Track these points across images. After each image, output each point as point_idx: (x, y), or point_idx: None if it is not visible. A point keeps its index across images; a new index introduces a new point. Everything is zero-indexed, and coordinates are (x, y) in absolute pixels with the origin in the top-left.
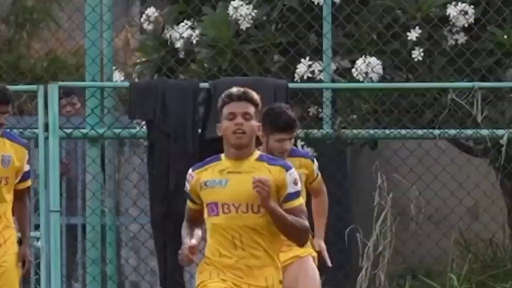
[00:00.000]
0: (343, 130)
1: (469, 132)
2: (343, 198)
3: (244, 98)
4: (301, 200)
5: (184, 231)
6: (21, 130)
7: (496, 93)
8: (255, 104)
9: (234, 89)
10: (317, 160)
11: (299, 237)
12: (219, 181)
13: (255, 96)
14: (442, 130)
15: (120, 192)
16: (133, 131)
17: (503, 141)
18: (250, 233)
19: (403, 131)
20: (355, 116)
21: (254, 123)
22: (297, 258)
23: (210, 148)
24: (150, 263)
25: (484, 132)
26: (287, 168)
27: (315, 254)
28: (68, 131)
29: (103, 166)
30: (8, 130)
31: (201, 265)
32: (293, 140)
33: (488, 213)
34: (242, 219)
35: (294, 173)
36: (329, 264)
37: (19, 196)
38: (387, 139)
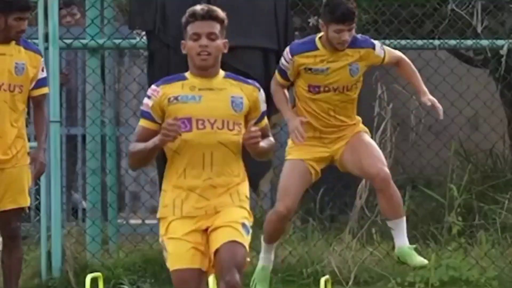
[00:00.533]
0: None
1: (469, 42)
2: None
3: (208, 16)
4: (266, 119)
5: (139, 145)
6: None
7: (496, 4)
8: (220, 21)
9: (198, 7)
10: None
11: (268, 156)
12: (192, 97)
13: (220, 13)
14: (442, 41)
15: (120, 103)
16: (133, 41)
17: (503, 52)
18: (222, 150)
19: (403, 42)
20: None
21: (220, 42)
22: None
23: None
24: (149, 173)
25: (484, 42)
26: (259, 88)
27: (366, 129)
28: (68, 41)
29: (103, 77)
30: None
31: (164, 193)
32: (353, 31)
33: (488, 124)
34: (217, 135)
35: (263, 92)
36: (441, 116)
37: (36, 103)
38: None
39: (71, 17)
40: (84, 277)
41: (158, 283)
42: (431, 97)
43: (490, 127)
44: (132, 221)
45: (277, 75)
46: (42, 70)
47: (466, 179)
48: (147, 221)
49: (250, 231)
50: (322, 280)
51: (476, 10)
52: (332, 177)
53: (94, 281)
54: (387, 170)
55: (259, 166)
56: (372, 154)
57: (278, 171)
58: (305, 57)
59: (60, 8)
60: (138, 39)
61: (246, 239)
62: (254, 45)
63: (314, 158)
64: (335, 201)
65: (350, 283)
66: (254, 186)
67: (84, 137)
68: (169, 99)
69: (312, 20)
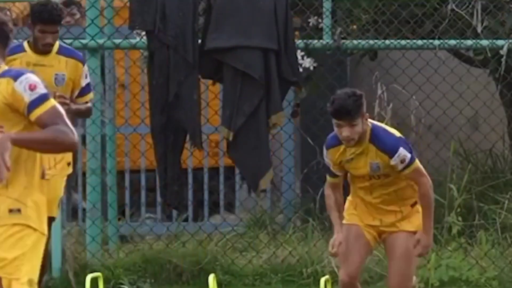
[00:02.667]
0: (343, 41)
1: (469, 42)
2: None
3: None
4: (50, 103)
5: None
6: (21, 40)
7: (496, 3)
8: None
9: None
10: (316, 70)
11: (62, 143)
12: None
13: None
14: (442, 41)
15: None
16: (133, 41)
17: (503, 52)
18: None
19: (403, 42)
20: (355, 27)
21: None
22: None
23: (209, 58)
24: None
25: (484, 42)
26: (14, 77)
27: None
28: (68, 41)
29: (103, 77)
30: (63, 44)
31: None
32: (356, 128)
33: (488, 124)
34: None
35: (27, 79)
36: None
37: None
38: (387, 50)
39: (70, 17)
40: (84, 277)
41: (158, 283)
42: (424, 238)
43: (490, 127)
44: (132, 222)
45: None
46: (86, 77)
47: (466, 179)
48: (147, 222)
49: None
50: (322, 280)
51: (476, 10)
52: None
53: (94, 281)
54: None
55: (259, 166)
56: (400, 269)
57: (278, 171)
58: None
59: None
60: (138, 39)
61: None
62: (254, 45)
63: (366, 224)
64: None
65: None
66: (254, 186)
67: (84, 137)
68: None
69: (312, 20)
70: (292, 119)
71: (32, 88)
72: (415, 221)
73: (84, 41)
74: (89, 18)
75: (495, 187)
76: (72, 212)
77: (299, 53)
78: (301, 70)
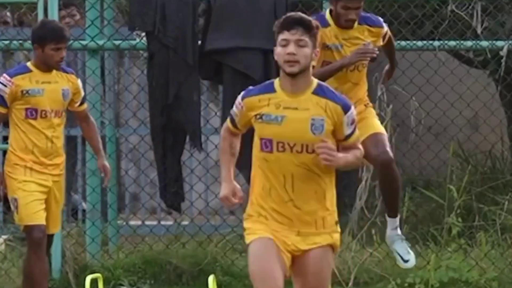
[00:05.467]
0: None
1: (469, 43)
2: None
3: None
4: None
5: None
6: (20, 41)
7: (496, 5)
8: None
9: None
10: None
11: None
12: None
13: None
14: (442, 42)
15: (120, 104)
16: (133, 42)
17: (503, 53)
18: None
19: (403, 43)
20: None
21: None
22: None
23: (209, 60)
24: (150, 174)
25: (484, 43)
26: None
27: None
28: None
29: (103, 78)
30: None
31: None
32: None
33: (488, 125)
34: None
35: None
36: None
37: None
38: None
39: (70, 18)
40: (84, 278)
41: (158, 284)
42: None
43: (490, 128)
44: (132, 222)
45: None
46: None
47: (466, 180)
48: (146, 222)
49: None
50: None
51: (476, 11)
52: None
53: (94, 282)
54: None
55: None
56: None
57: None
58: None
59: (59, 9)
60: (138, 40)
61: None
62: (254, 46)
63: None
64: None
65: (350, 284)
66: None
67: (83, 138)
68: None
69: None
70: None
71: None
72: None
73: (84, 42)
74: (89, 19)
75: (494, 188)
76: (72, 213)
77: None
78: None
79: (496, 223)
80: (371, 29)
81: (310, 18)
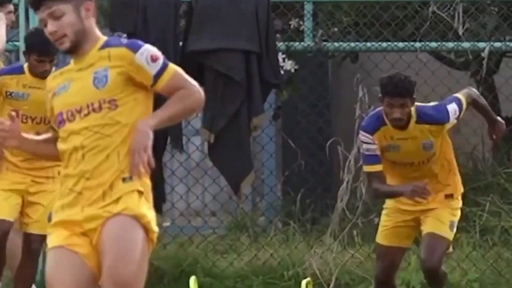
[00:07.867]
0: (324, 43)
1: (450, 44)
2: (324, 111)
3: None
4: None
5: None
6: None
7: (477, 6)
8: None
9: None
10: (298, 72)
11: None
12: None
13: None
14: (423, 43)
15: None
16: None
17: (484, 54)
18: None
19: (384, 44)
20: (336, 29)
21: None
22: None
23: (191, 61)
24: None
25: (466, 45)
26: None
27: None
28: None
29: None
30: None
31: None
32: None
33: (469, 126)
34: None
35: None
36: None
37: None
38: (368, 52)
39: None
40: None
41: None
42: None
43: (472, 130)
44: None
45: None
46: None
47: None
48: None
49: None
50: (304, 282)
51: (457, 13)
52: (313, 179)
53: None
54: None
55: (240, 168)
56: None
57: (259, 173)
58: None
59: None
60: None
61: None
62: (236, 47)
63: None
64: (316, 204)
65: (332, 285)
66: (235, 188)
67: None
68: None
69: (293, 23)
70: (273, 122)
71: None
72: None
73: None
74: None
75: (476, 189)
76: None
77: (281, 56)
78: (282, 72)
79: (477, 224)
80: (431, 128)
81: None
